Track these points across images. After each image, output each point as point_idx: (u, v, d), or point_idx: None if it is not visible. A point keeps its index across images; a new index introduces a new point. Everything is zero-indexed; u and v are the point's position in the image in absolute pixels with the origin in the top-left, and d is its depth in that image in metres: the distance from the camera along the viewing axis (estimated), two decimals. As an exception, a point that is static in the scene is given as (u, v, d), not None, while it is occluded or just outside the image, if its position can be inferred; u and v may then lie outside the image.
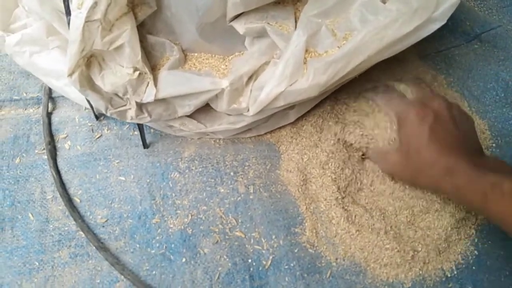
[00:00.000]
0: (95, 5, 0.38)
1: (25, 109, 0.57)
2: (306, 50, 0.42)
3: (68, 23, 0.44)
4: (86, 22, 0.39)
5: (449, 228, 0.49)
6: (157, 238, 0.48)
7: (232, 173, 0.52)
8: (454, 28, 0.64)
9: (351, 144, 0.52)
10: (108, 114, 0.47)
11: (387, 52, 0.42)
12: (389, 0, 0.42)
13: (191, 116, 0.50)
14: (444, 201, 0.50)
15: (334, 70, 0.41)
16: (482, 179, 0.40)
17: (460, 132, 0.44)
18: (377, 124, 0.49)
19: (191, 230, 0.48)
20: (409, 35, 0.41)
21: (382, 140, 0.48)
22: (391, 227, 0.49)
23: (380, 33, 0.40)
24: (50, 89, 0.58)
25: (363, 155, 0.53)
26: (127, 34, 0.42)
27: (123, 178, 0.51)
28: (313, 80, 0.41)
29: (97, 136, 0.55)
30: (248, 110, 0.46)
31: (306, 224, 0.49)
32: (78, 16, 0.39)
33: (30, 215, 0.49)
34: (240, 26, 0.44)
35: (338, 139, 0.52)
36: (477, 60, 0.61)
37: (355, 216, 0.50)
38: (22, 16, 0.59)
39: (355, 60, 0.41)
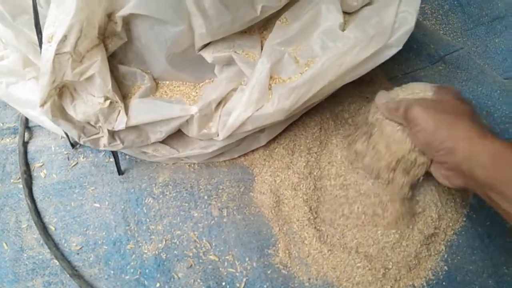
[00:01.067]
0: (64, 38, 0.40)
1: (2, 139, 0.58)
2: (271, 77, 0.44)
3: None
4: (56, 54, 0.40)
5: (419, 245, 0.50)
6: (132, 263, 0.48)
7: (206, 197, 0.53)
8: (419, 51, 0.67)
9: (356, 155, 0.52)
10: (81, 142, 0.48)
11: (347, 77, 0.44)
12: (347, 28, 0.44)
13: (163, 141, 0.51)
14: (413, 218, 0.51)
15: (297, 95, 0.43)
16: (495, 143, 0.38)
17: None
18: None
19: (165, 255, 0.49)
20: (367, 60, 0.43)
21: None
22: (362, 245, 0.50)
23: (339, 59, 0.42)
24: (26, 119, 0.59)
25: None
26: (97, 65, 0.43)
27: (98, 205, 0.52)
28: (278, 105, 0.43)
29: (73, 164, 0.55)
30: (218, 135, 0.48)
31: (279, 245, 0.50)
32: (48, 49, 0.40)
33: (4, 244, 0.49)
34: (208, 55, 0.46)
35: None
36: (442, 81, 0.64)
37: (327, 236, 0.51)
38: (-1, 48, 0.60)
39: (317, 85, 0.43)
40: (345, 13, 0.46)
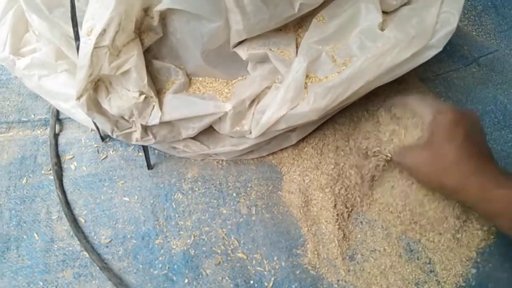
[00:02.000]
0: (103, 32, 0.40)
1: (33, 131, 0.58)
2: (307, 76, 0.44)
3: (77, 49, 0.46)
4: (94, 48, 0.40)
5: (448, 251, 0.50)
6: (160, 258, 0.48)
7: (234, 194, 0.53)
8: (453, 52, 0.65)
9: (367, 152, 0.52)
10: (114, 136, 0.48)
11: (385, 78, 0.43)
12: (387, 28, 0.43)
13: (194, 138, 0.51)
14: (443, 221, 0.50)
15: (334, 95, 0.42)
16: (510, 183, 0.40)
17: (485, 141, 0.46)
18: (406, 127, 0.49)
19: (193, 251, 0.49)
20: (406, 61, 0.42)
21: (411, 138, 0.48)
22: (393, 248, 0.50)
23: (379, 59, 0.41)
24: (57, 111, 0.60)
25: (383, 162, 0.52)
26: (133, 59, 0.43)
27: (127, 199, 0.52)
28: (314, 104, 0.43)
29: (102, 157, 0.56)
30: (251, 132, 0.47)
31: (307, 246, 0.50)
32: (87, 43, 0.41)
33: (35, 235, 0.50)
34: (243, 52, 0.46)
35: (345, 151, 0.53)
36: (476, 84, 0.63)
37: (355, 238, 0.50)
38: (32, 40, 0.61)
39: (354, 85, 0.42)
40: (383, 12, 0.46)
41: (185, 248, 0.49)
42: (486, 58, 0.64)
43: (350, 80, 0.42)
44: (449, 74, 0.64)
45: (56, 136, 0.57)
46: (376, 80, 0.42)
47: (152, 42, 0.46)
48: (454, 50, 0.65)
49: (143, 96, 0.45)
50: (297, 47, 0.47)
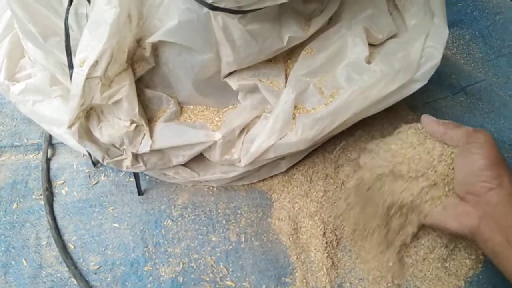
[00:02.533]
0: (96, 63, 0.41)
1: (25, 155, 0.59)
2: (295, 107, 0.45)
3: (71, 76, 0.46)
4: (87, 79, 0.41)
5: (436, 280, 0.50)
6: (149, 286, 0.48)
7: (224, 221, 0.53)
8: (441, 81, 0.67)
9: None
10: (105, 164, 0.48)
11: (371, 110, 0.44)
12: (373, 61, 0.45)
13: (185, 165, 0.52)
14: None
15: (321, 126, 0.43)
16: None
17: None
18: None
19: (182, 278, 0.49)
20: (392, 94, 0.43)
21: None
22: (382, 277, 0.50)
23: (365, 92, 0.42)
24: (50, 136, 0.60)
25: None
26: (125, 89, 0.44)
27: (117, 225, 0.52)
28: (302, 134, 0.43)
29: (93, 183, 0.56)
30: (240, 161, 0.48)
31: (296, 274, 0.50)
32: (80, 73, 0.41)
33: (24, 261, 0.50)
34: (233, 83, 0.47)
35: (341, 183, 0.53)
36: (463, 112, 0.64)
37: (344, 266, 0.50)
38: (27, 66, 0.62)
39: (341, 117, 0.43)
40: (370, 45, 0.47)
41: (173, 275, 0.49)
42: (474, 87, 0.66)
43: (337, 112, 0.43)
44: (437, 102, 0.65)
45: (48, 160, 0.58)
46: (363, 112, 0.43)
47: (144, 72, 0.47)
48: (443, 78, 0.67)
49: (134, 125, 0.45)
50: (286, 78, 0.48)
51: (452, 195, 0.43)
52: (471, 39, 0.75)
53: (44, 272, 0.49)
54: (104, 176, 0.57)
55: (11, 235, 0.51)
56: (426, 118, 0.46)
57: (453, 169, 0.43)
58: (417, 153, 0.44)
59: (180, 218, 0.53)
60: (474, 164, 0.40)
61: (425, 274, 0.50)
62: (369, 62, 0.45)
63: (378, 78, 0.42)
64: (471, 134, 0.42)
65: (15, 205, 0.54)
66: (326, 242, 0.51)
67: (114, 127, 0.45)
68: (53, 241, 0.51)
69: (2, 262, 0.49)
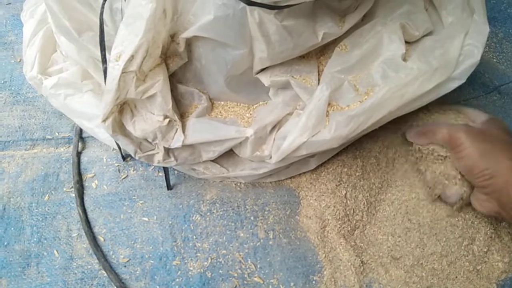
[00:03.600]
0: (131, 58, 0.41)
1: (57, 148, 0.60)
2: (329, 104, 0.44)
3: (104, 71, 0.47)
4: (122, 73, 0.41)
5: (467, 283, 0.49)
6: (177, 280, 0.49)
7: (252, 218, 0.53)
8: (474, 80, 0.65)
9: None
10: (137, 158, 0.49)
11: (407, 108, 0.43)
12: (410, 59, 0.44)
13: (214, 160, 0.52)
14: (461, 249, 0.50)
15: (355, 124, 0.43)
16: None
17: None
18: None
19: (210, 273, 0.49)
20: (429, 92, 0.42)
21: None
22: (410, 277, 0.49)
23: (401, 90, 0.42)
24: (81, 130, 0.61)
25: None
26: (159, 84, 0.44)
27: (146, 219, 0.53)
28: (335, 132, 0.43)
29: (123, 177, 0.57)
30: (271, 157, 0.48)
31: (324, 273, 0.50)
32: (115, 68, 0.42)
33: (55, 252, 0.50)
34: (265, 79, 0.47)
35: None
36: (496, 112, 0.62)
37: (372, 267, 0.50)
38: (59, 60, 0.62)
39: (376, 115, 0.42)
40: (406, 42, 0.46)
41: (202, 270, 0.49)
42: (508, 86, 0.64)
43: (372, 109, 0.42)
44: (470, 101, 0.64)
45: (78, 154, 0.59)
46: (398, 110, 0.43)
47: (177, 67, 0.47)
48: (475, 77, 0.65)
49: (167, 120, 0.45)
50: (319, 75, 0.48)
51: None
52: (505, 37, 0.73)
53: (75, 264, 0.50)
54: (133, 171, 0.57)
55: (43, 227, 0.52)
56: (410, 135, 0.51)
57: None
58: None
59: (208, 213, 0.53)
60: (461, 167, 0.46)
61: (456, 277, 0.50)
62: (405, 60, 0.44)
63: (415, 76, 0.42)
64: (448, 140, 0.46)
65: (46, 197, 0.55)
66: (354, 241, 0.51)
67: (147, 121, 0.45)
68: (84, 233, 0.52)
69: (34, 252, 0.50)
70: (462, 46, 0.43)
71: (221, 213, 0.53)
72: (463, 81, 0.43)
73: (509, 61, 0.71)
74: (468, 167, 0.45)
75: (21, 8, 0.73)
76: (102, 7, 0.46)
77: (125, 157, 0.58)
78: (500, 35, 0.73)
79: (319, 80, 0.47)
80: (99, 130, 0.56)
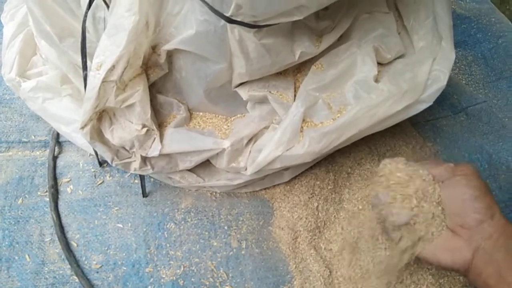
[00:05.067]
0: (112, 68, 0.42)
1: (32, 151, 0.59)
2: (303, 120, 0.46)
3: (84, 78, 0.48)
4: (103, 82, 0.42)
5: None
6: (149, 287, 0.49)
7: (226, 227, 0.54)
8: (443, 100, 0.68)
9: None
10: (113, 165, 0.49)
11: (377, 127, 0.45)
12: (381, 80, 0.46)
13: (191, 170, 0.53)
14: None
15: (328, 140, 0.44)
16: None
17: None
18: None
19: (182, 281, 0.50)
20: (398, 113, 0.45)
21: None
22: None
23: (372, 110, 0.44)
24: (58, 134, 0.61)
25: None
26: (139, 94, 0.45)
27: (120, 226, 0.53)
28: (309, 147, 0.45)
29: (99, 182, 0.57)
30: (246, 169, 0.49)
31: (294, 283, 0.51)
32: (96, 77, 0.42)
33: (27, 256, 0.50)
34: (244, 93, 0.48)
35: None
36: (463, 132, 0.65)
37: (340, 277, 0.52)
38: (38, 63, 0.63)
39: (348, 132, 0.44)
40: (378, 63, 0.48)
41: (174, 278, 0.50)
42: (474, 108, 0.67)
43: (344, 127, 0.44)
44: (438, 120, 0.67)
45: (55, 158, 0.58)
46: (369, 129, 0.45)
47: (157, 77, 0.48)
48: (444, 98, 0.68)
49: (145, 129, 0.46)
50: (295, 91, 0.50)
51: (444, 228, 0.41)
52: (474, 60, 0.77)
53: (47, 269, 0.50)
54: (109, 177, 0.58)
55: (15, 230, 0.52)
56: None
57: (438, 204, 0.42)
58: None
59: (183, 222, 0.54)
60: (463, 195, 0.40)
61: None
62: (377, 81, 0.46)
63: (386, 97, 0.44)
64: (456, 168, 0.42)
65: (20, 201, 0.54)
66: (324, 253, 0.52)
67: (126, 130, 0.46)
68: (57, 238, 0.52)
69: (5, 256, 0.50)
70: (430, 70, 0.45)
71: (195, 221, 0.54)
72: (430, 103, 0.45)
73: (477, 84, 0.74)
74: (470, 198, 0.40)
75: (1, 9, 0.73)
76: (85, 15, 0.46)
77: (101, 163, 0.58)
78: (469, 58, 0.77)
79: (295, 96, 0.49)
80: (77, 135, 0.56)
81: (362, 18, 0.50)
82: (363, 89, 0.46)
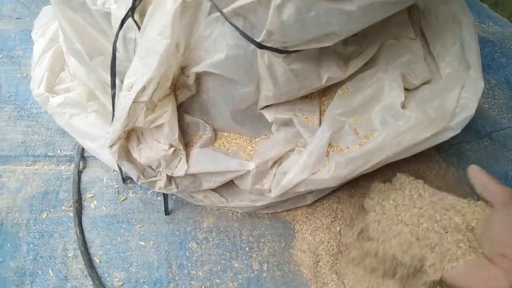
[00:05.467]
0: (143, 89, 0.43)
1: (58, 166, 0.60)
2: (329, 144, 0.46)
3: (112, 96, 0.49)
4: (133, 103, 0.43)
5: None
6: (170, 307, 0.49)
7: (247, 249, 0.54)
8: (467, 125, 0.67)
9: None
10: (139, 183, 0.50)
11: (403, 154, 0.45)
12: (408, 107, 0.46)
13: (214, 189, 0.53)
14: None
15: (354, 166, 0.44)
16: None
17: None
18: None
19: (203, 302, 0.50)
20: (425, 140, 0.44)
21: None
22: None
23: (399, 137, 0.44)
24: (83, 149, 0.62)
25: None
26: (168, 114, 0.46)
27: (143, 243, 0.54)
28: (334, 172, 0.45)
29: (122, 199, 0.57)
30: (270, 191, 0.49)
31: (315, 307, 0.51)
32: (127, 97, 0.43)
33: (50, 271, 0.51)
34: (269, 115, 0.48)
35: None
36: (487, 158, 0.64)
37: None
38: (66, 79, 0.64)
39: (375, 159, 0.44)
40: (405, 89, 0.48)
41: (195, 298, 0.50)
42: (499, 133, 0.66)
43: (371, 153, 0.44)
44: (462, 145, 0.66)
45: (79, 173, 0.59)
46: (395, 155, 0.45)
47: (185, 98, 0.49)
48: (469, 122, 0.68)
49: (172, 149, 0.47)
50: (320, 114, 0.50)
51: (479, 254, 0.40)
52: (497, 84, 0.76)
53: (69, 284, 0.50)
54: (132, 193, 0.58)
55: (39, 244, 0.53)
56: (475, 168, 0.44)
57: (481, 226, 0.41)
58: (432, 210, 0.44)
59: (204, 242, 0.54)
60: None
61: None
62: (404, 107, 0.46)
63: (413, 124, 0.44)
64: None
65: (45, 215, 0.55)
66: (345, 278, 0.52)
67: (153, 149, 0.47)
68: (80, 254, 0.52)
69: (29, 270, 0.51)
70: (458, 99, 0.45)
71: (217, 241, 0.54)
72: (458, 131, 0.45)
73: (500, 108, 0.74)
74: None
75: (30, 23, 0.75)
76: (117, 35, 0.47)
77: (125, 179, 0.59)
78: (493, 82, 0.76)
79: (320, 119, 0.49)
80: (102, 151, 0.57)
81: (388, 44, 0.50)
82: (390, 115, 0.46)
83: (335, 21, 0.38)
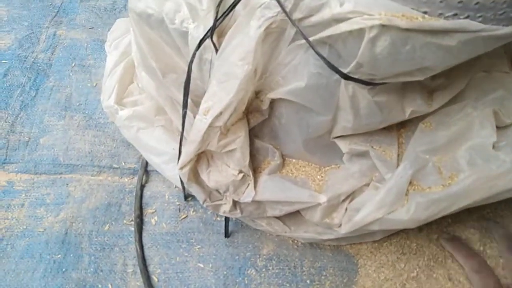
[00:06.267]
0: (220, 114, 0.42)
1: (121, 178, 0.61)
2: (410, 183, 0.43)
3: (183, 115, 0.48)
4: (208, 127, 0.42)
5: None
6: (226, 335, 0.48)
7: (308, 281, 0.52)
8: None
9: None
10: (204, 205, 0.49)
11: (493, 199, 0.41)
12: (502, 149, 0.42)
13: (278, 217, 0.51)
14: None
15: (437, 208, 0.41)
16: None
17: None
18: None
19: (260, 334, 0.48)
20: (521, 187, 0.40)
21: None
22: None
23: (490, 181, 0.40)
24: (146, 163, 0.62)
25: None
26: (240, 140, 0.44)
27: (201, 265, 0.53)
28: (414, 214, 0.42)
29: (182, 217, 0.57)
30: (340, 226, 0.47)
31: None
32: (203, 121, 0.42)
33: (110, 285, 0.51)
34: (344, 145, 0.46)
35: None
36: None
37: None
38: (135, 92, 0.64)
39: (460, 202, 0.41)
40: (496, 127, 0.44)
41: (252, 329, 0.48)
42: None
43: (456, 196, 0.41)
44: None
45: (142, 187, 0.59)
46: (484, 200, 0.41)
47: (257, 123, 0.47)
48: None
49: (241, 175, 0.46)
50: (398, 147, 0.47)
51: None
52: None
53: (127, 301, 0.50)
54: (193, 211, 0.57)
55: (100, 257, 0.53)
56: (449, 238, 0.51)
57: None
58: None
59: (264, 269, 0.52)
60: None
61: None
62: (494, 147, 0.43)
63: (507, 169, 0.40)
64: None
65: (107, 227, 0.56)
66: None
67: (222, 173, 0.46)
68: (139, 271, 0.52)
69: (89, 283, 0.51)
70: (559, 142, 0.41)
71: (276, 271, 0.52)
72: (558, 179, 0.41)
73: None
74: None
75: (102, 33, 0.77)
76: (193, 55, 0.47)
77: (186, 196, 0.58)
78: None
79: (398, 153, 0.46)
80: (166, 167, 0.57)
81: (478, 77, 0.46)
82: (479, 155, 0.42)
83: (431, 56, 0.35)
